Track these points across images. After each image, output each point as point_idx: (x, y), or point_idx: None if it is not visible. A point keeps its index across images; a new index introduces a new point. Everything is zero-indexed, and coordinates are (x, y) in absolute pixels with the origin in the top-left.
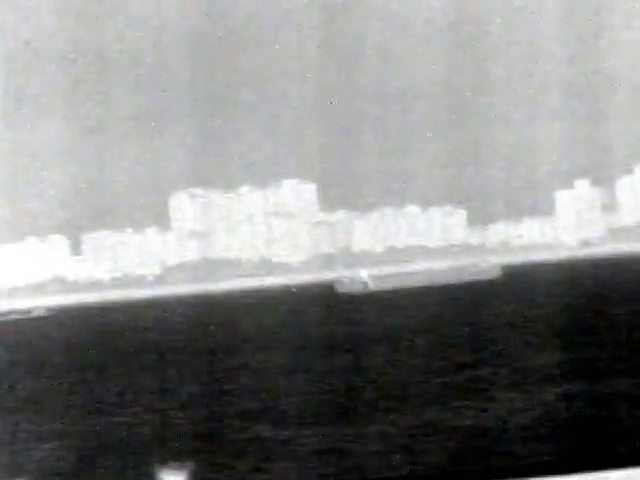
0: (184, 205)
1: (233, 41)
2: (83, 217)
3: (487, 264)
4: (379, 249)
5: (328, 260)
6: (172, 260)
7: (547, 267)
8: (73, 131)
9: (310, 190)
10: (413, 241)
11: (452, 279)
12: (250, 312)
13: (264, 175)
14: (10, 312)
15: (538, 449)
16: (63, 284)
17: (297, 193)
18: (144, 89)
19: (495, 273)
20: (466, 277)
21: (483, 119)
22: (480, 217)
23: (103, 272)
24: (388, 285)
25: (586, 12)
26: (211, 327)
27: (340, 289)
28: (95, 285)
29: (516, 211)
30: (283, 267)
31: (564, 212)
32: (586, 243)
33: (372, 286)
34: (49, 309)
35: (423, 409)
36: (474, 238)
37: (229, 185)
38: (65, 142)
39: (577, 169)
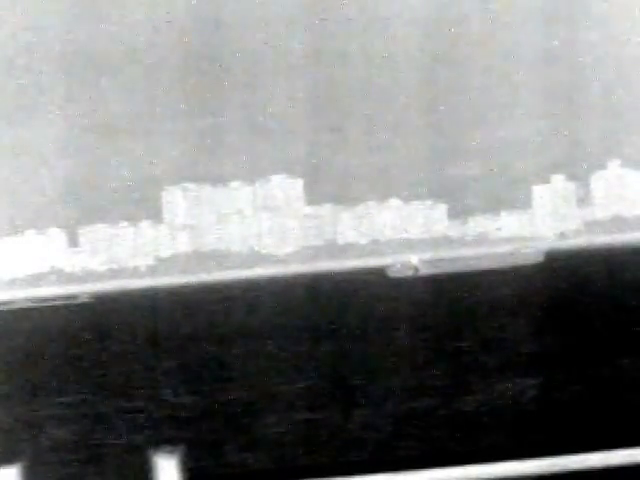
0: (176, 199)
1: (223, 42)
2: (80, 211)
3: (532, 249)
4: (363, 241)
5: (315, 252)
6: (165, 252)
7: (589, 252)
8: (70, 129)
9: (297, 185)
10: (396, 234)
11: (499, 264)
12: (288, 298)
13: (253, 170)
14: (56, 298)
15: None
16: (61, 275)
17: (285, 188)
18: (138, 88)
19: (539, 258)
20: (512, 262)
21: (463, 116)
22: (460, 211)
23: (99, 264)
24: (438, 270)
25: (561, 13)
26: (235, 313)
27: (391, 274)
28: (91, 276)
29: (495, 205)
30: (271, 259)
31: (541, 206)
32: (562, 236)
33: (422, 271)
34: (92, 295)
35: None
36: (454, 231)
37: (220, 180)
38: (62, 139)
39: (553, 164)
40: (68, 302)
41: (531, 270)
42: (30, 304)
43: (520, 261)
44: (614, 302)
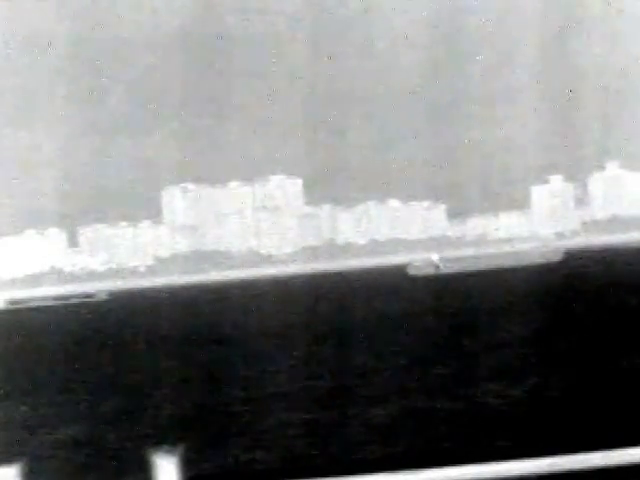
0: (176, 199)
1: (223, 43)
2: (79, 211)
3: (551, 248)
4: (362, 241)
5: (314, 252)
6: (164, 252)
7: (610, 251)
8: (70, 129)
9: (296, 185)
10: (394, 234)
11: (518, 262)
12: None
13: (252, 171)
14: (72, 296)
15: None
16: (60, 275)
17: (284, 188)
18: (138, 89)
19: (558, 256)
20: (531, 260)
21: (462, 117)
22: (459, 211)
23: (98, 263)
24: (459, 268)
25: (559, 14)
26: (255, 311)
27: (412, 272)
28: (91, 276)
29: (493, 205)
30: (271, 259)
31: (539, 206)
32: (560, 236)
33: (443, 269)
34: (110, 293)
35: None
36: (453, 231)
37: (219, 180)
38: (62, 140)
39: (551, 165)
40: (86, 300)
41: (550, 268)
42: (46, 302)
43: (539, 259)
44: (634, 300)
